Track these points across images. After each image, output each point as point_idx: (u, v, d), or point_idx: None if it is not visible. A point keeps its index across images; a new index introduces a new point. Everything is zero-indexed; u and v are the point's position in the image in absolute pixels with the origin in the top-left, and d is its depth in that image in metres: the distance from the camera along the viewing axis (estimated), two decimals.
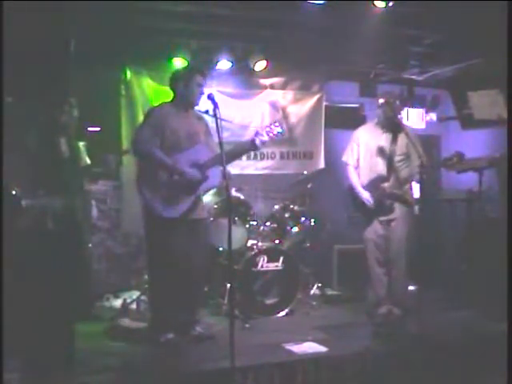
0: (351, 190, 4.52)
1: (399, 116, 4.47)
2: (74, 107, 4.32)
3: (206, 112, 3.69)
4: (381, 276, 4.44)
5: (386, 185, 4.32)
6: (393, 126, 4.39)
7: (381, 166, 4.38)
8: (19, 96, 3.81)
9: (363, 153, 4.50)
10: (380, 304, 4.44)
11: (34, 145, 4.11)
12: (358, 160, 4.53)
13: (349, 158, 4.59)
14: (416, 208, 4.66)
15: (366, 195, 4.38)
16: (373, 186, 4.38)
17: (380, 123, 4.48)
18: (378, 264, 4.44)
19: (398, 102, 4.42)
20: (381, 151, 4.38)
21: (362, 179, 4.47)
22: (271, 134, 3.86)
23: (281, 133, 3.96)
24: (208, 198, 5.04)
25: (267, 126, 3.92)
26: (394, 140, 4.38)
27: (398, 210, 4.35)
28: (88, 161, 4.55)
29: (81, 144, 4.53)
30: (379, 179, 4.35)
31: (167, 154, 3.73)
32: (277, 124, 3.93)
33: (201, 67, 4.28)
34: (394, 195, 4.32)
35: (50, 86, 3.91)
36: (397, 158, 4.37)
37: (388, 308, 4.40)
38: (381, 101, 4.40)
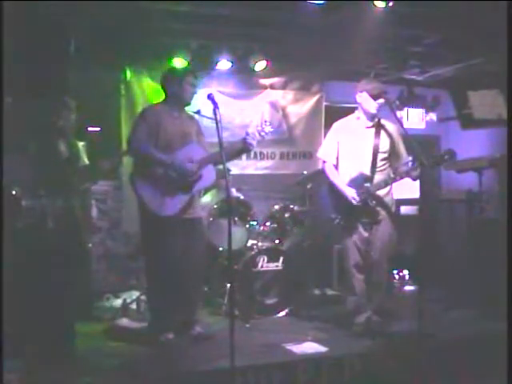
0: (332, 188, 4.15)
1: (383, 110, 4.11)
2: (73, 109, 4.32)
3: (198, 112, 3.74)
4: (361, 282, 4.14)
5: (368, 185, 4.00)
6: (376, 122, 4.13)
7: (363, 165, 4.06)
8: (18, 96, 3.81)
9: (344, 149, 4.16)
10: (359, 312, 4.15)
11: (33, 145, 4.12)
12: (337, 157, 4.19)
13: (327, 153, 4.24)
14: (416, 208, 4.60)
15: (351, 193, 4.01)
16: (355, 185, 4.05)
17: (363, 117, 4.14)
18: (358, 269, 4.13)
19: (382, 95, 4.04)
20: (363, 148, 4.07)
21: (343, 178, 4.12)
22: (263, 133, 3.86)
23: (271, 131, 3.94)
24: (208, 198, 5.05)
25: (258, 126, 3.92)
26: (377, 137, 4.08)
27: (382, 211, 4.08)
28: (86, 161, 4.55)
29: (80, 144, 4.53)
30: (362, 178, 4.04)
31: (161, 152, 3.76)
32: (267, 123, 3.92)
33: (192, 68, 4.29)
34: (377, 196, 4.05)
35: (49, 87, 3.91)
36: (380, 156, 4.07)
37: (367, 316, 4.11)
38: (362, 94, 4.09)
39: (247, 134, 3.87)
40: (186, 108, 4.00)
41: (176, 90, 3.88)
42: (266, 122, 3.97)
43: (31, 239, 3.47)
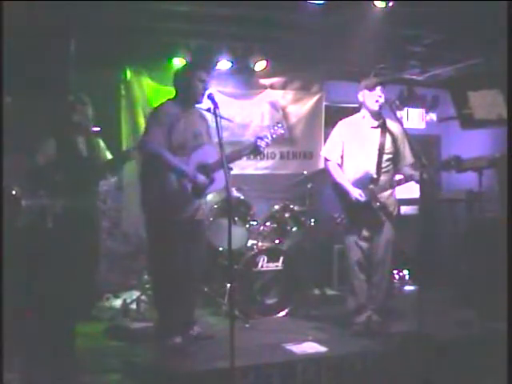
0: (336, 186, 4.13)
1: (387, 109, 4.07)
2: (88, 103, 4.34)
3: (209, 110, 3.56)
4: (362, 282, 4.13)
5: (373, 186, 4.00)
6: (381, 122, 4.11)
7: (368, 165, 4.04)
8: (19, 96, 3.82)
9: (348, 148, 4.12)
10: (360, 312, 4.14)
11: (51, 145, 4.14)
12: (342, 156, 4.15)
13: (330, 152, 4.18)
14: (416, 208, 4.60)
15: (357, 192, 3.97)
16: (359, 185, 4.02)
17: (368, 116, 4.11)
18: (360, 268, 4.11)
19: (378, 85, 4.02)
20: (369, 148, 4.05)
21: (347, 177, 4.09)
22: (274, 136, 3.90)
23: (282, 134, 4.00)
24: (208, 197, 5.04)
25: (271, 128, 3.95)
26: (383, 137, 4.06)
27: (385, 212, 4.08)
28: (109, 155, 4.57)
29: (101, 140, 4.55)
30: (367, 179, 4.02)
31: (174, 154, 3.67)
32: (280, 125, 3.98)
33: (204, 63, 4.25)
34: (381, 198, 4.03)
35: (50, 87, 3.91)
36: (385, 157, 4.05)
37: (367, 316, 4.11)
38: (363, 92, 4.08)
39: (259, 137, 3.87)
40: (197, 106, 3.89)
41: (187, 86, 3.79)
42: (278, 123, 4.02)
43: (47, 238, 3.48)
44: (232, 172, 4.87)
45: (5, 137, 3.31)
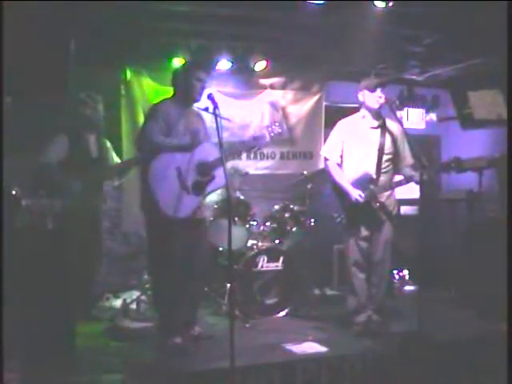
0: (335, 186, 4.15)
1: (387, 109, 4.07)
2: (98, 102, 4.34)
3: (206, 109, 3.58)
4: (362, 281, 4.15)
5: (373, 187, 4.01)
6: (381, 122, 4.12)
7: (368, 166, 4.05)
8: (18, 96, 3.82)
9: (348, 148, 4.13)
10: (359, 311, 4.15)
11: (62, 143, 4.15)
12: (341, 156, 4.16)
13: (330, 152, 4.19)
14: (416, 208, 4.60)
15: (356, 193, 3.98)
16: (359, 185, 4.02)
17: (368, 116, 4.12)
18: (359, 268, 4.13)
19: (379, 86, 4.03)
20: (369, 149, 4.06)
21: (347, 177, 4.10)
22: (272, 135, 3.91)
23: (280, 133, 4.00)
24: (208, 198, 5.05)
25: (268, 127, 3.96)
26: (382, 137, 4.08)
27: (385, 212, 4.10)
28: (117, 159, 4.57)
29: (108, 143, 4.54)
30: (366, 179, 4.02)
31: (175, 152, 3.65)
32: (277, 124, 3.99)
33: (202, 62, 4.25)
34: (381, 198, 4.05)
35: (50, 87, 3.92)
36: (385, 158, 4.06)
37: (367, 316, 4.13)
38: (363, 91, 4.10)
39: (256, 137, 3.89)
40: (194, 105, 3.89)
41: (184, 84, 3.78)
42: (275, 123, 4.03)
43: (51, 239, 3.48)
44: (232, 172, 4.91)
45: (5, 137, 3.31)
